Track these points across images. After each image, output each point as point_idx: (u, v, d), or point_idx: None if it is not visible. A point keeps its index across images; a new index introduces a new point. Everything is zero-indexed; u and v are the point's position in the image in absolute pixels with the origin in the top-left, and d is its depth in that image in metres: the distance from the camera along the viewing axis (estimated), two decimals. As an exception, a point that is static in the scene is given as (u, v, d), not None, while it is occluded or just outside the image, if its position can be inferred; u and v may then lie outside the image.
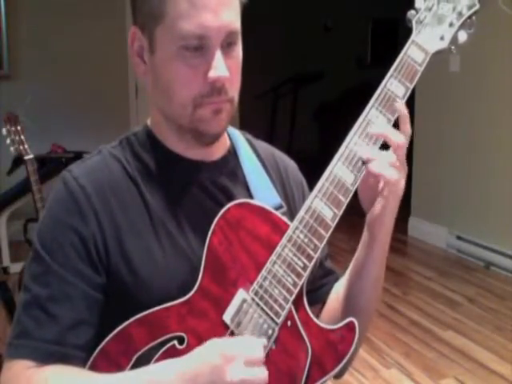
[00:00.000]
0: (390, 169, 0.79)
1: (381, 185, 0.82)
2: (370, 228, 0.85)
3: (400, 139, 0.80)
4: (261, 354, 0.73)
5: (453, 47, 0.85)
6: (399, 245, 4.02)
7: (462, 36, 0.85)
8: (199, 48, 0.79)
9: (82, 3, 4.09)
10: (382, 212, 0.82)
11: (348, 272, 0.93)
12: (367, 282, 0.89)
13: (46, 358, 0.77)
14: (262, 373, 0.72)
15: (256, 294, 0.78)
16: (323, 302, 0.98)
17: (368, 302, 0.91)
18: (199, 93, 0.81)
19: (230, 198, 0.88)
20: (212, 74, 0.79)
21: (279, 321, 0.77)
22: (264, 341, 0.76)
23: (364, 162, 0.80)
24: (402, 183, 0.81)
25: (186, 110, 0.82)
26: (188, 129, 0.85)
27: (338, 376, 0.81)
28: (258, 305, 0.78)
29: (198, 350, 0.73)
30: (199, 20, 0.77)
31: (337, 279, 1.00)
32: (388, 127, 0.80)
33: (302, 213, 0.80)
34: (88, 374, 0.77)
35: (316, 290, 0.97)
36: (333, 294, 0.98)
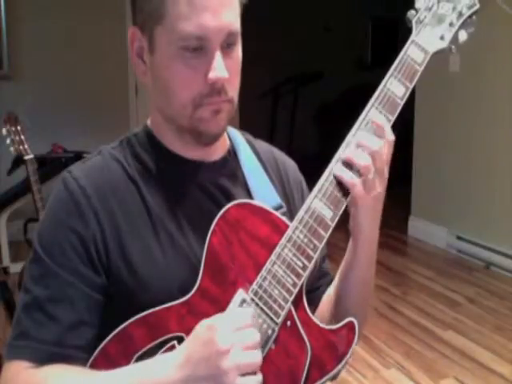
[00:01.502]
0: (350, 174, 0.79)
1: None
2: (352, 234, 0.87)
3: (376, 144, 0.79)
4: (248, 319, 0.73)
5: (453, 47, 0.85)
6: (399, 245, 4.02)
7: (462, 36, 0.85)
8: (199, 49, 0.79)
9: (82, 3, 4.09)
10: (358, 217, 0.83)
11: (337, 274, 0.94)
12: (354, 285, 0.90)
13: (45, 359, 0.77)
14: (253, 334, 0.72)
15: (255, 294, 0.78)
16: (318, 303, 0.98)
17: (356, 305, 0.91)
18: (199, 93, 0.81)
19: (230, 198, 0.88)
20: (212, 74, 0.79)
21: (279, 321, 0.77)
22: (251, 310, 0.76)
23: None
24: (378, 188, 0.81)
25: (186, 111, 0.83)
26: (188, 129, 0.85)
27: (333, 377, 0.81)
28: (257, 305, 0.77)
29: (187, 338, 0.73)
30: (199, 21, 0.77)
31: (330, 281, 1.00)
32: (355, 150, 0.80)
33: (301, 213, 0.80)
34: (86, 373, 0.77)
35: (312, 292, 0.97)
36: (325, 296, 0.98)
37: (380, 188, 0.81)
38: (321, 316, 0.94)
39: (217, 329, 0.70)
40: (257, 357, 0.71)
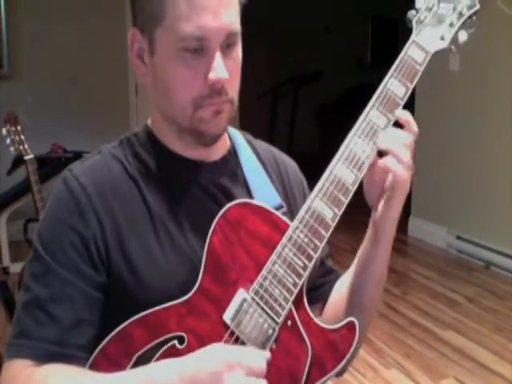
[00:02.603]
0: (400, 166, 0.79)
1: (388, 181, 0.82)
2: (377, 224, 0.85)
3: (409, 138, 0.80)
4: (263, 365, 0.71)
5: (453, 47, 0.85)
6: (399, 245, 4.02)
7: (463, 36, 0.85)
8: (199, 49, 0.79)
9: (82, 3, 4.08)
10: (389, 208, 0.82)
11: (352, 269, 0.93)
12: (372, 278, 0.89)
13: (46, 357, 0.77)
14: None
15: (256, 293, 0.78)
16: (325, 300, 0.98)
17: (371, 299, 0.91)
18: (199, 94, 0.81)
19: (230, 198, 0.88)
20: (212, 75, 0.79)
21: (279, 320, 0.77)
22: (268, 353, 0.75)
23: (380, 154, 0.80)
24: (409, 181, 0.82)
25: (186, 111, 0.83)
26: (188, 129, 0.85)
27: (338, 374, 0.81)
28: (258, 304, 0.78)
29: (201, 353, 0.72)
30: (199, 22, 0.77)
31: (337, 278, 1.00)
32: (394, 134, 0.80)
33: (302, 212, 0.80)
34: (87, 373, 0.77)
35: (317, 289, 0.97)
36: (335, 293, 0.98)
37: (409, 180, 0.82)
38: (333, 314, 0.93)
39: (230, 367, 0.68)
40: None
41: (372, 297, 0.91)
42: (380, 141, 0.81)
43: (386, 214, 0.83)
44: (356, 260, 0.92)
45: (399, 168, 0.79)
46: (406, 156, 0.79)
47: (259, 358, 0.72)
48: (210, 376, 0.69)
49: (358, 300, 0.90)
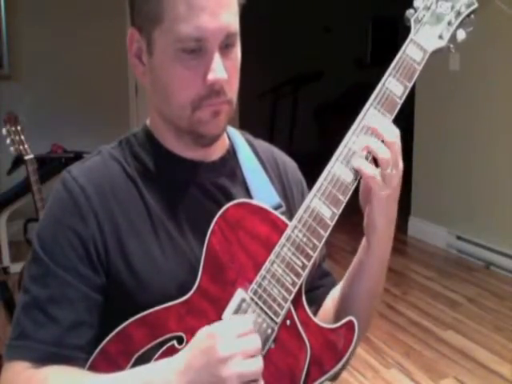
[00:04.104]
0: (368, 164, 0.78)
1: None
2: (365, 234, 0.85)
3: (391, 137, 0.79)
4: (249, 325, 0.72)
5: (451, 46, 0.85)
6: (399, 245, 4.02)
7: (461, 34, 0.85)
8: (197, 50, 0.79)
9: (82, 3, 4.09)
10: (372, 215, 0.81)
11: (345, 276, 0.93)
12: (363, 289, 0.88)
13: (45, 359, 0.77)
14: (255, 341, 0.71)
15: (255, 293, 0.78)
16: (319, 304, 0.98)
17: (363, 309, 0.89)
18: (198, 95, 0.81)
19: (229, 198, 0.88)
20: (211, 76, 0.79)
21: (278, 320, 0.77)
22: (251, 316, 0.75)
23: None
24: (394, 182, 0.80)
25: (185, 112, 0.82)
26: (187, 130, 0.85)
27: (333, 378, 0.81)
28: (256, 304, 0.78)
29: (189, 344, 0.73)
30: (197, 22, 0.77)
31: (333, 282, 1.00)
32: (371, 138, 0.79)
33: (300, 212, 0.79)
34: (86, 375, 0.77)
35: (312, 291, 0.97)
36: (329, 298, 0.98)
37: (395, 182, 0.80)
38: (326, 318, 0.93)
39: (218, 336, 0.69)
40: (258, 364, 0.70)
41: (364, 307, 0.90)
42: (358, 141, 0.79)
43: (371, 223, 0.82)
44: (350, 268, 0.91)
45: (365, 166, 0.78)
46: (384, 153, 0.77)
47: (243, 320, 0.72)
48: (202, 353, 0.69)
49: (349, 309, 0.88)
